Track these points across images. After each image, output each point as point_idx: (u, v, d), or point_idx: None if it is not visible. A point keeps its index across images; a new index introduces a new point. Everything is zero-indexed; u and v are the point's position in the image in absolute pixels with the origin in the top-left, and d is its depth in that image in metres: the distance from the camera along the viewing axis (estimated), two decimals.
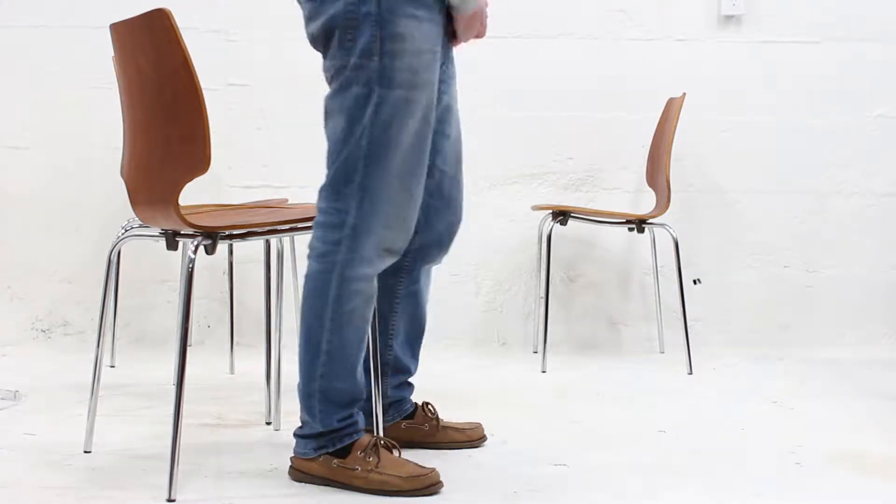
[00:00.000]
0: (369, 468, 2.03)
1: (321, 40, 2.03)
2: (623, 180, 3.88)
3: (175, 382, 1.96)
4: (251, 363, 3.35)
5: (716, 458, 2.29)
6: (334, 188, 2.02)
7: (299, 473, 2.10)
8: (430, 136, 2.08)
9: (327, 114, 2.05)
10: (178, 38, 1.95)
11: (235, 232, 2.13)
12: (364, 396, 2.13)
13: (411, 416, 2.39)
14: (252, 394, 2.92)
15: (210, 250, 2.05)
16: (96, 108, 3.71)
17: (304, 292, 2.06)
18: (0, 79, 3.79)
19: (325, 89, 2.04)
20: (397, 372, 2.35)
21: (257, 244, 3.48)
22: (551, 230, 3.46)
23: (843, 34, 3.87)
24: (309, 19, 2.05)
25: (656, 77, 3.85)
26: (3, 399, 2.77)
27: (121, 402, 2.80)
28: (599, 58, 3.86)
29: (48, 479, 2.07)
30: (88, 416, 2.27)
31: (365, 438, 2.08)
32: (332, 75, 2.03)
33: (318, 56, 2.06)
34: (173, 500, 1.92)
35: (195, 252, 2.02)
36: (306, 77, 3.83)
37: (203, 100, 1.96)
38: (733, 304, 3.89)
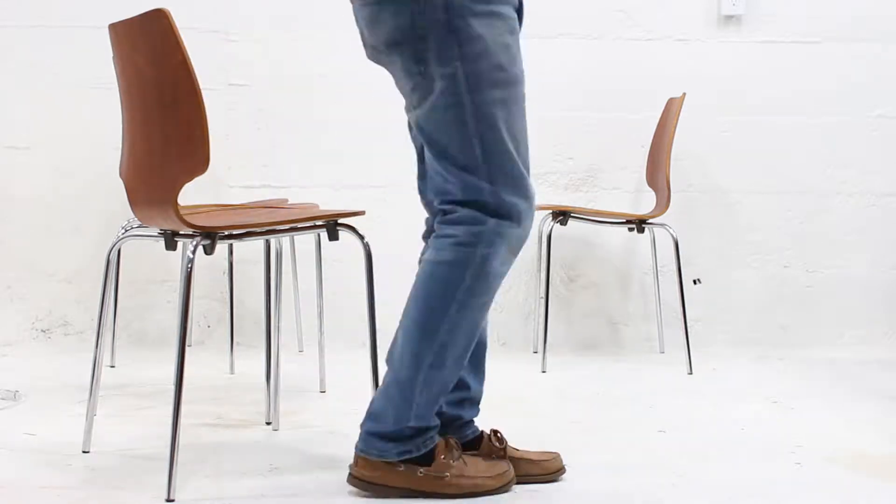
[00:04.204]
0: (458, 473, 1.93)
1: (386, 55, 1.91)
2: (623, 180, 3.88)
3: (174, 382, 1.96)
4: (251, 363, 3.35)
5: (715, 458, 2.29)
6: (468, 203, 1.91)
7: (367, 483, 1.93)
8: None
9: (427, 134, 1.91)
10: (176, 38, 1.95)
11: (235, 232, 2.13)
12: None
13: (474, 444, 2.07)
14: (252, 394, 2.92)
15: (209, 250, 2.05)
16: (96, 108, 3.70)
17: (427, 277, 1.93)
18: (0, 79, 3.79)
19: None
20: (455, 387, 2.02)
21: (257, 244, 3.47)
22: (551, 230, 3.46)
23: (843, 34, 3.87)
24: (369, 31, 1.92)
25: (656, 77, 3.85)
26: (3, 399, 2.77)
27: (121, 402, 2.80)
28: (599, 58, 3.86)
29: (48, 479, 2.07)
30: (87, 416, 2.27)
31: (441, 442, 1.95)
32: (416, 94, 1.90)
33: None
34: (172, 500, 1.92)
35: (194, 252, 2.02)
36: (306, 77, 3.84)
37: (202, 100, 1.96)
38: (733, 304, 3.89)
